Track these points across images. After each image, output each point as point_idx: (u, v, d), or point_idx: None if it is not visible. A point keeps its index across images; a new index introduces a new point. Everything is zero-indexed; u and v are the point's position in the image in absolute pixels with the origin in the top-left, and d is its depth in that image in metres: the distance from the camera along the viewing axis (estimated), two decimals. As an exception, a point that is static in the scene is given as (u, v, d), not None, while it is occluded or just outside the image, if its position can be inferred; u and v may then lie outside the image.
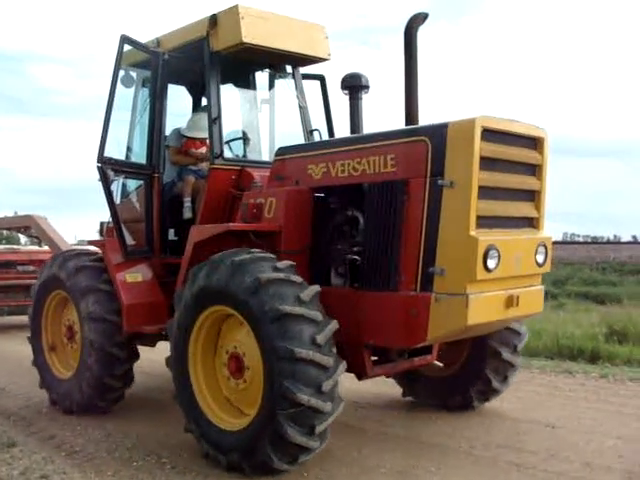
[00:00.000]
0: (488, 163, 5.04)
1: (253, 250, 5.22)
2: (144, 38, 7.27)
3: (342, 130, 8.00)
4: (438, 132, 5.08)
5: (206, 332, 5.50)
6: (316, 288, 5.03)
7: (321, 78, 7.83)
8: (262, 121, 7.64)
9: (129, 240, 7.00)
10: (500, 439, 6.13)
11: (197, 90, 8.19)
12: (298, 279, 5.01)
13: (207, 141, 7.58)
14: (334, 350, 4.93)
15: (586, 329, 11.18)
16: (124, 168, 6.87)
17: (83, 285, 6.78)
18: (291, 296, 4.85)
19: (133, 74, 7.65)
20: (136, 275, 6.90)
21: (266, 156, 7.59)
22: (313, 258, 5.96)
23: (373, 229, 5.43)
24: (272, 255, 5.23)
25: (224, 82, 6.99)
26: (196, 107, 8.22)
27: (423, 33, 5.76)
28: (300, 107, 7.47)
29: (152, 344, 7.54)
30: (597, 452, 5.76)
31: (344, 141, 5.82)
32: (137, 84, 7.75)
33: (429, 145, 5.12)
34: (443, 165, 5.03)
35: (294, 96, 7.43)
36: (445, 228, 5.01)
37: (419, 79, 5.98)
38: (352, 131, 6.39)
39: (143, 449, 5.94)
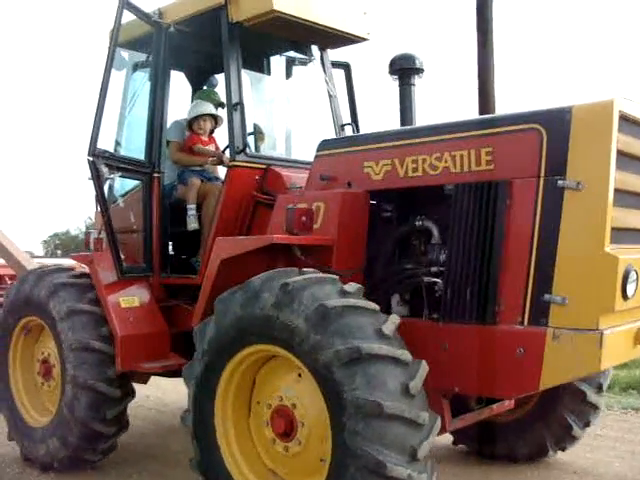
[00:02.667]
0: (620, 160, 3.88)
1: (347, 290, 3.84)
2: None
3: (375, 125, 6.83)
4: (558, 118, 3.90)
5: (241, 376, 4.20)
6: (424, 368, 3.72)
7: (346, 66, 6.64)
8: (284, 112, 6.33)
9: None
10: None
11: (199, 77, 6.90)
12: (407, 356, 3.65)
13: (214, 136, 6.35)
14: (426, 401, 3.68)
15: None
16: (120, 164, 5.49)
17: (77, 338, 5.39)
18: (395, 384, 3.49)
19: (124, 55, 6.34)
20: (132, 299, 5.53)
21: (290, 153, 6.32)
22: (368, 280, 4.71)
23: (460, 244, 4.21)
24: (374, 306, 3.86)
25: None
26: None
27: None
28: (330, 96, 6.23)
29: (144, 381, 6.19)
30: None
31: (418, 131, 4.58)
32: (128, 68, 6.44)
33: (544, 135, 3.93)
34: (565, 161, 3.85)
35: (322, 83, 6.19)
36: (568, 243, 3.81)
37: (495, 59, 4.94)
38: (402, 123, 5.20)
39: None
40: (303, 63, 6.22)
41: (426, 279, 4.38)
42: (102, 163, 5.24)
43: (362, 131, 6.53)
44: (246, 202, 5.41)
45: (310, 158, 5.61)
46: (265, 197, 5.36)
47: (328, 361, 3.50)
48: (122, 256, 5.53)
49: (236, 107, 5.32)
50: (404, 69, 5.22)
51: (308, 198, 4.72)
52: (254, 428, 4.26)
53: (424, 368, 3.68)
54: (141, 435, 6.82)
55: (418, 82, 5.33)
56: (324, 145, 5.00)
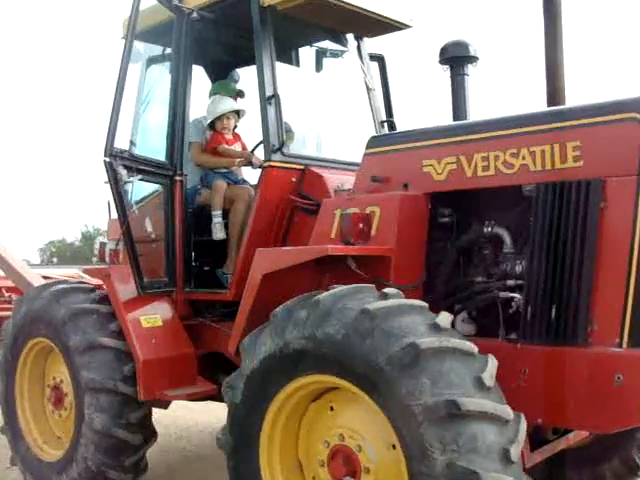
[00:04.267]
0: None
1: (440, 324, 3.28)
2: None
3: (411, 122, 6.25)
4: (665, 105, 3.35)
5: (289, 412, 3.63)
6: (493, 360, 3.19)
7: (380, 58, 6.06)
8: (316, 108, 5.73)
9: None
10: None
11: (220, 70, 6.31)
12: (472, 347, 3.16)
13: (238, 132, 5.78)
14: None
15: None
16: (141, 166, 4.89)
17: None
18: (466, 377, 3.01)
19: (139, 47, 5.76)
20: (154, 318, 4.93)
21: (320, 152, 5.72)
22: (428, 295, 4.14)
23: (543, 253, 3.63)
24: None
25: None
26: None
27: None
28: (368, 90, 5.65)
29: (165, 406, 5.59)
30: None
31: (488, 124, 3.98)
32: (143, 61, 5.87)
33: (646, 126, 3.37)
34: (673, 156, 3.29)
35: (359, 75, 5.61)
36: (678, 251, 3.25)
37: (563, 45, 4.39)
38: (455, 117, 4.66)
39: None
40: (337, 54, 5.65)
41: (502, 294, 3.80)
42: (120, 164, 4.65)
43: (398, 129, 5.96)
44: (282, 207, 4.84)
45: (349, 158, 5.08)
46: (304, 201, 4.79)
47: (383, 365, 3.04)
48: (142, 270, 4.92)
49: (271, 100, 4.75)
50: (457, 57, 4.69)
51: (360, 202, 4.13)
52: (309, 418, 3.72)
53: (493, 360, 3.17)
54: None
55: (472, 72, 4.79)
56: (375, 142, 4.42)
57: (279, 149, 4.74)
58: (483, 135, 3.91)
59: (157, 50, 5.83)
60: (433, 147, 4.11)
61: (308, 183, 4.85)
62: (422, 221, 4.11)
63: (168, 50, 5.70)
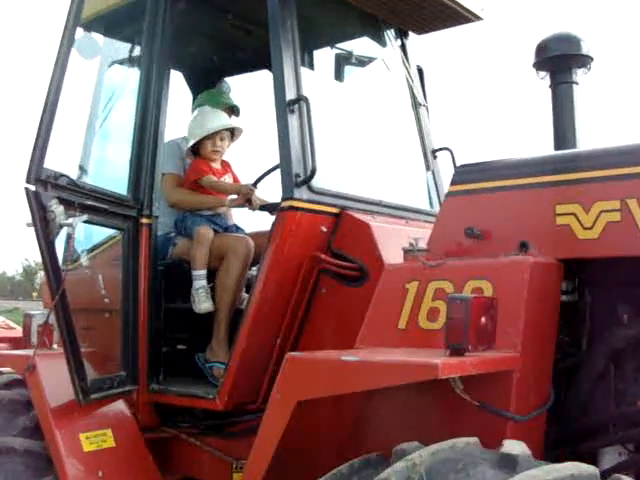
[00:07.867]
0: None
1: None
2: None
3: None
4: None
5: None
6: None
7: (419, 70, 4.52)
8: (343, 128, 4.07)
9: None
10: None
11: (205, 77, 4.73)
12: None
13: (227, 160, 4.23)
14: None
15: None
16: (88, 201, 3.16)
17: None
18: None
19: (96, 38, 4.14)
20: (102, 435, 3.20)
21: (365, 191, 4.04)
22: (556, 428, 2.53)
23: None
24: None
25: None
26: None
27: None
28: (417, 105, 4.07)
29: None
30: None
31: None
32: (103, 58, 4.23)
33: None
34: None
35: (404, 85, 4.05)
36: None
37: None
38: (558, 143, 3.11)
39: None
40: (376, 55, 4.09)
41: None
42: (54, 197, 2.93)
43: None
44: (305, 270, 3.18)
45: (397, 200, 3.53)
46: (339, 263, 3.15)
47: None
48: (85, 361, 3.18)
49: (293, 106, 3.14)
50: (562, 58, 3.15)
51: (454, 272, 2.48)
52: None
53: None
54: None
55: (582, 79, 3.27)
56: (466, 174, 2.82)
57: (306, 181, 3.10)
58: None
59: (123, 46, 4.20)
60: (575, 184, 2.52)
61: (345, 235, 3.22)
62: (555, 305, 2.50)
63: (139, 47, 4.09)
